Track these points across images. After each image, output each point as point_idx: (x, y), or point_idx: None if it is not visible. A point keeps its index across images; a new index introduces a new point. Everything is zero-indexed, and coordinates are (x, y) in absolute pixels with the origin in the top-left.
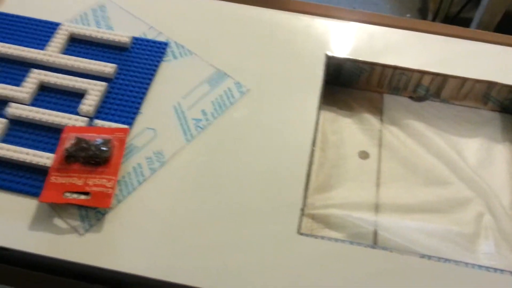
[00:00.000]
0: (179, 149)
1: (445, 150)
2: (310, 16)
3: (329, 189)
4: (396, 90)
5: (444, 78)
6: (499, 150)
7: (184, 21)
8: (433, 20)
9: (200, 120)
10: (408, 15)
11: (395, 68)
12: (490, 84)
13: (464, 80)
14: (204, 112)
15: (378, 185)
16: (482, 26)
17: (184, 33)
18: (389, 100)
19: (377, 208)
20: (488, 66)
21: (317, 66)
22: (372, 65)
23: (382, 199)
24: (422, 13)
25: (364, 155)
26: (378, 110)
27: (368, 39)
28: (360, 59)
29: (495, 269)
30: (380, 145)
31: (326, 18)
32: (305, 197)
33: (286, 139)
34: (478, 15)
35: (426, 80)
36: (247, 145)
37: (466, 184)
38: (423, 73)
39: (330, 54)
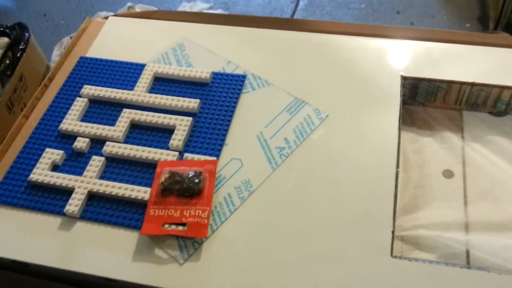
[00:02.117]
0: (266, 177)
1: None
2: (380, 38)
3: (416, 210)
4: (475, 106)
5: None
6: None
7: (259, 53)
8: (495, 28)
9: (284, 148)
10: (467, 25)
11: (473, 84)
12: None
13: None
14: (286, 140)
15: (466, 203)
16: None
17: (260, 65)
18: (469, 116)
19: (467, 227)
20: None
21: (394, 87)
22: (449, 82)
23: (472, 217)
24: (482, 22)
25: (448, 173)
26: (458, 127)
27: (438, 57)
28: (436, 77)
29: None
30: (464, 162)
31: (393, 39)
32: (394, 219)
33: (370, 162)
34: None
35: (506, 95)
36: (332, 170)
37: None
38: (502, 88)
39: (405, 74)
